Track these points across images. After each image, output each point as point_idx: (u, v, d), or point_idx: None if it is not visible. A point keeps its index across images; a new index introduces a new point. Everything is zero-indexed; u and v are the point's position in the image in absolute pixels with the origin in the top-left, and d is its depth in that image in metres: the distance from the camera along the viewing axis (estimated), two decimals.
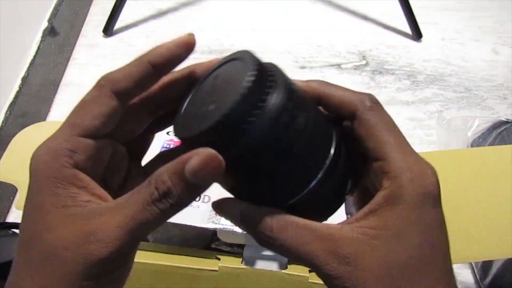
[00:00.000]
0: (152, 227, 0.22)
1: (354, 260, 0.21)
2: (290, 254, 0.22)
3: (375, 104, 0.24)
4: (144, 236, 0.22)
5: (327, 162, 0.23)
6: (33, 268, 0.22)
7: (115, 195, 0.23)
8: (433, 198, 0.22)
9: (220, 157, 0.21)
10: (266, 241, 0.23)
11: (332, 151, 0.23)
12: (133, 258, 0.24)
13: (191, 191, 0.21)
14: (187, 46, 0.26)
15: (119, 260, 0.21)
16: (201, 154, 0.21)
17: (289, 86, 0.23)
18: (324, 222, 0.24)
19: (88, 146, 0.23)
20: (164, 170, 0.21)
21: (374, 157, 0.23)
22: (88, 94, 0.24)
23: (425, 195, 0.22)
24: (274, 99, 0.22)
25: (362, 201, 0.26)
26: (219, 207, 0.24)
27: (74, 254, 0.21)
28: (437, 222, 0.22)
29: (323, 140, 0.23)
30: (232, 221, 0.24)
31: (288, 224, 0.22)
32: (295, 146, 0.22)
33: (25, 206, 0.23)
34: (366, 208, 0.22)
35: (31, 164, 0.23)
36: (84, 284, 0.21)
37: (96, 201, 0.22)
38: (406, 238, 0.21)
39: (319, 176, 0.23)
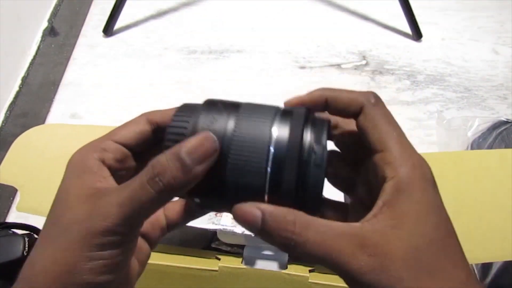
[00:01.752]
0: (147, 208, 0.23)
1: (382, 251, 0.22)
2: (314, 253, 0.22)
3: (379, 100, 0.25)
4: (141, 217, 0.24)
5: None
6: (49, 241, 0.24)
7: None
8: (433, 183, 0.24)
9: (215, 138, 0.23)
10: (289, 240, 0.22)
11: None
12: (134, 239, 0.26)
13: (185, 172, 0.23)
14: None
15: (117, 235, 0.23)
16: (198, 135, 0.23)
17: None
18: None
19: (118, 150, 0.27)
20: (163, 153, 0.23)
21: (377, 149, 0.24)
22: (131, 119, 0.29)
23: (427, 181, 0.23)
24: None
25: (362, 206, 0.26)
26: (237, 211, 0.24)
27: (81, 227, 0.23)
28: (441, 203, 0.24)
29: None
30: (251, 224, 0.24)
31: (310, 222, 0.23)
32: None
33: (57, 192, 0.26)
34: (380, 202, 0.23)
35: (70, 158, 0.27)
36: (86, 254, 0.23)
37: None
38: (423, 221, 0.22)
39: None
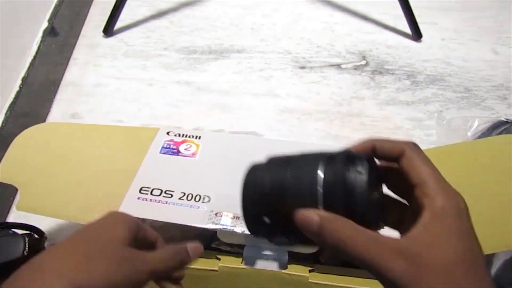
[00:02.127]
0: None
1: (419, 262, 0.26)
2: (360, 257, 0.27)
3: (417, 146, 0.31)
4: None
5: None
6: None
7: None
8: (466, 213, 0.28)
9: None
10: (340, 242, 0.27)
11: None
12: None
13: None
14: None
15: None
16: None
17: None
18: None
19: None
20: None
21: (416, 183, 0.29)
22: None
23: (460, 211, 0.28)
24: None
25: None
26: (299, 215, 0.29)
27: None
28: (472, 232, 0.28)
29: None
30: (308, 226, 0.28)
31: (359, 230, 0.27)
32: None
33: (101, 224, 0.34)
34: (419, 225, 0.27)
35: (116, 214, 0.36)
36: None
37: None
38: (454, 244, 0.26)
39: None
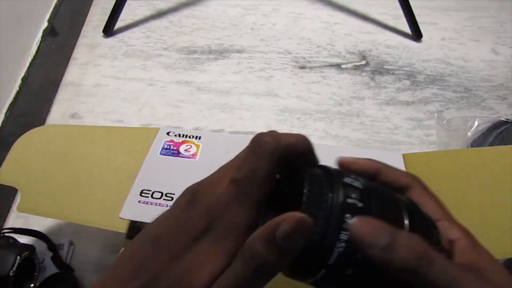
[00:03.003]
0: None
1: (483, 275, 0.25)
2: (441, 280, 0.23)
3: (423, 182, 0.31)
4: None
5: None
6: None
7: None
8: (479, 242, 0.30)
9: (309, 219, 0.22)
10: (419, 261, 0.23)
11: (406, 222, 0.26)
12: None
13: (284, 255, 0.22)
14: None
15: None
16: (292, 218, 0.22)
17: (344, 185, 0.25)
18: None
19: None
20: (255, 239, 0.22)
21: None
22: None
23: (475, 240, 0.29)
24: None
25: None
26: (358, 223, 0.23)
27: None
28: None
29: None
30: (375, 238, 0.23)
31: (435, 252, 0.24)
32: None
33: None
34: (460, 248, 0.28)
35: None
36: None
37: None
38: (496, 261, 0.27)
39: None
